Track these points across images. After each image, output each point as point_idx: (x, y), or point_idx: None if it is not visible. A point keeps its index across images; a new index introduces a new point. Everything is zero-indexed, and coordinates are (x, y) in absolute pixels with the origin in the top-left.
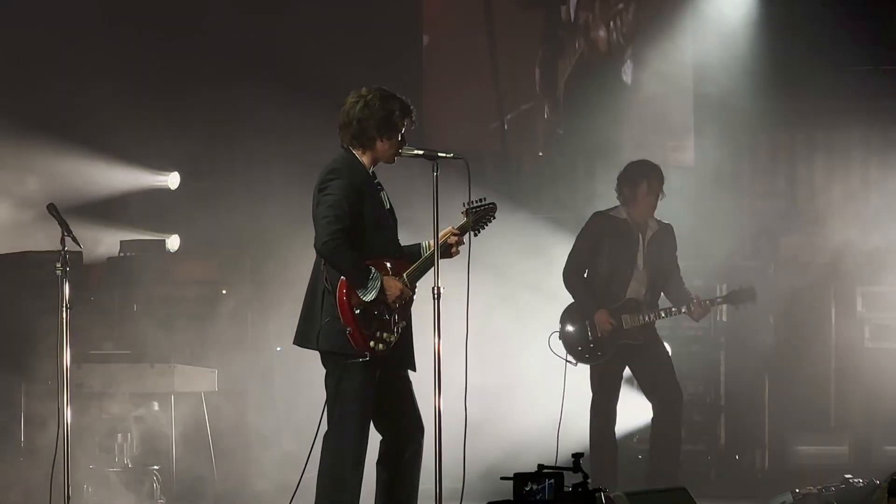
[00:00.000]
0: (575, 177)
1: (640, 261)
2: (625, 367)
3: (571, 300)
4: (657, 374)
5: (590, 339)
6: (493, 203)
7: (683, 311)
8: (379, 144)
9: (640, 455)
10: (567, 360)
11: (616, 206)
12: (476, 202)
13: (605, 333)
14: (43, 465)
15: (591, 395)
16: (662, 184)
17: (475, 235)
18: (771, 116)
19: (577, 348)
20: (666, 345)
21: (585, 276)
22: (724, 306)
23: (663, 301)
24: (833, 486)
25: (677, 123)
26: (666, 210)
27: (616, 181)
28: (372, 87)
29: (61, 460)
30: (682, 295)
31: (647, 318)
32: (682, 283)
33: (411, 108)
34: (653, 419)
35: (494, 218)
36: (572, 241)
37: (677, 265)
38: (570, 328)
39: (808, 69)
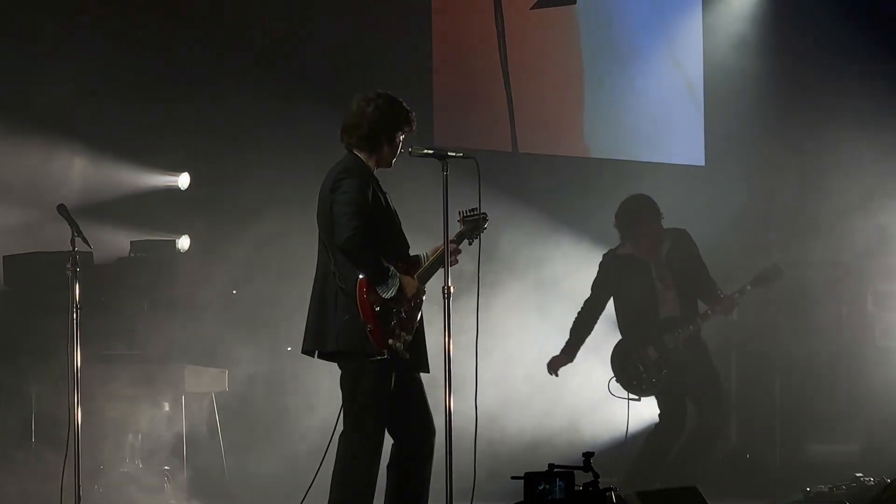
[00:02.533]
0: (583, 176)
1: (658, 286)
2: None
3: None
4: (703, 387)
5: (641, 370)
6: (484, 213)
7: (710, 312)
8: (384, 148)
9: None
10: (630, 399)
11: (622, 243)
12: (469, 212)
13: (654, 360)
14: (54, 465)
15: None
16: (659, 215)
17: (469, 244)
18: (781, 115)
19: (633, 383)
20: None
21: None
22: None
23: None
24: (844, 485)
25: (687, 123)
26: (676, 210)
27: (614, 219)
28: (379, 91)
29: (72, 460)
30: (715, 295)
31: (686, 331)
32: (713, 282)
33: (412, 116)
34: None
35: (486, 228)
36: (582, 240)
37: (704, 266)
38: (620, 367)
39: (820, 68)
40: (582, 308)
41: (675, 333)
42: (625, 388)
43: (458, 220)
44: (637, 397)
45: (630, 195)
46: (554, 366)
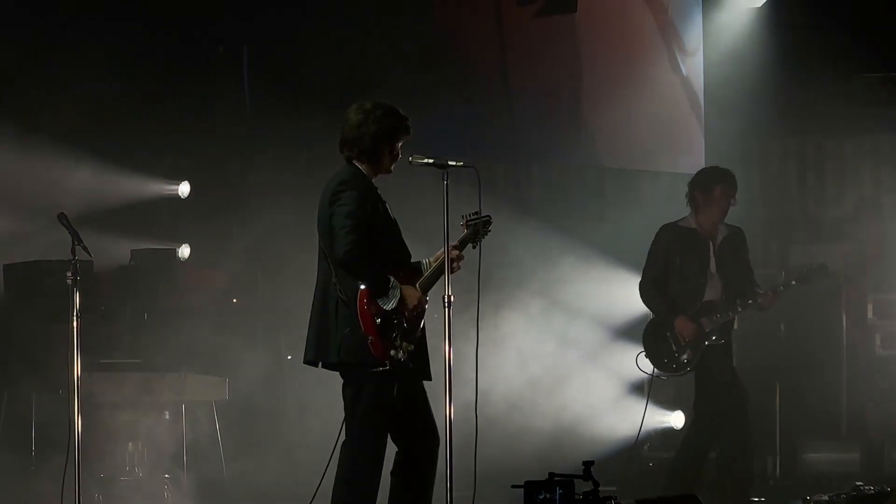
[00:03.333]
0: (585, 184)
1: (711, 267)
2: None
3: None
4: (732, 373)
5: (674, 349)
6: (487, 215)
7: (751, 302)
8: (383, 159)
9: (651, 463)
10: (654, 376)
11: (684, 217)
12: (472, 215)
13: (689, 338)
14: (54, 474)
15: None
16: (735, 190)
17: (473, 248)
18: (781, 123)
19: (664, 360)
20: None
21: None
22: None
23: None
24: (844, 494)
25: (687, 131)
26: (675, 216)
27: (687, 187)
28: (376, 102)
29: (72, 469)
30: (755, 297)
31: (724, 317)
32: (756, 284)
33: (409, 124)
34: (715, 424)
35: (490, 230)
36: (583, 250)
37: (750, 268)
38: (653, 343)
39: (819, 76)
40: (646, 285)
41: (713, 318)
42: (654, 363)
43: (461, 224)
44: (664, 375)
45: (712, 166)
46: (688, 330)
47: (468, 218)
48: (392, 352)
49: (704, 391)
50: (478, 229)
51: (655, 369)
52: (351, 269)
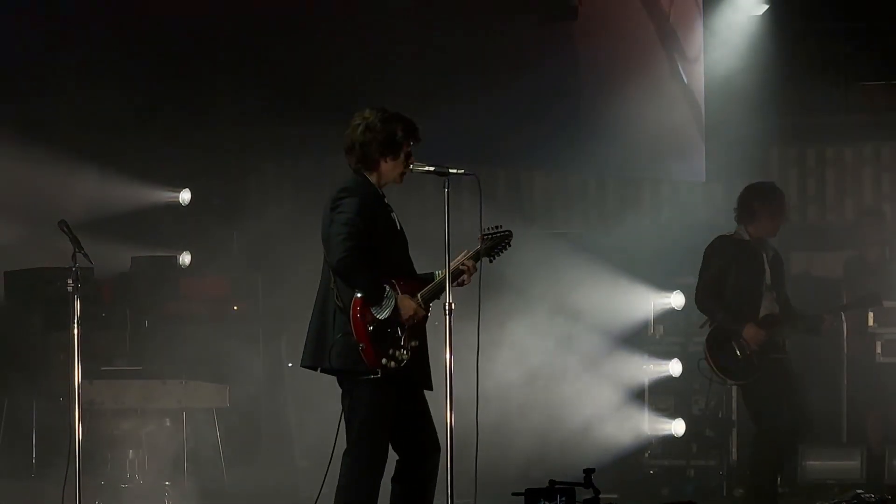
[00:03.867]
0: (586, 192)
1: (767, 278)
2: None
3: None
4: (795, 391)
5: (739, 357)
6: (508, 230)
7: (812, 326)
8: (384, 165)
9: (652, 471)
10: (715, 380)
11: (736, 230)
12: (492, 228)
13: (758, 346)
14: (55, 481)
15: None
16: (785, 206)
17: (490, 262)
18: (781, 131)
19: (728, 367)
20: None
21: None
22: None
23: None
24: (845, 502)
25: (688, 139)
26: (677, 226)
27: (741, 199)
28: (374, 108)
29: (73, 476)
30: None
31: (788, 334)
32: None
33: (416, 126)
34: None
35: (510, 245)
36: (583, 257)
37: (787, 295)
38: (717, 350)
39: (819, 84)
40: (704, 296)
41: (777, 331)
42: (716, 369)
43: (479, 237)
44: (723, 381)
45: (760, 181)
46: (759, 338)
47: (486, 231)
48: (384, 360)
49: (766, 404)
50: (496, 243)
51: (717, 375)
52: (344, 275)
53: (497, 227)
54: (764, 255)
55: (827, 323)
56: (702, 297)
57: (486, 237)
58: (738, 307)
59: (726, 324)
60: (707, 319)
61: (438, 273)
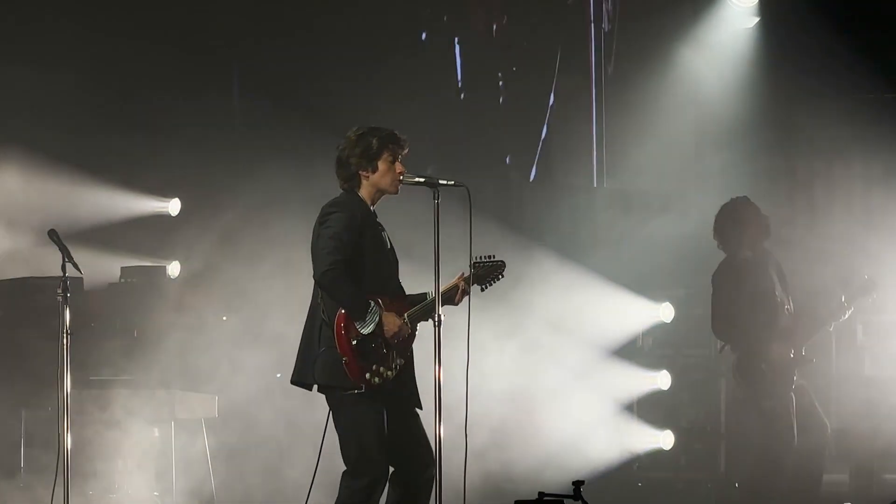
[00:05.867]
0: (577, 203)
1: (777, 289)
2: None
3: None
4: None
5: (768, 379)
6: (501, 261)
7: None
8: (369, 178)
9: (640, 483)
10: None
11: (731, 253)
12: (485, 258)
13: (784, 364)
14: (43, 491)
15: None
16: (756, 213)
17: (482, 291)
18: (771, 143)
19: (762, 392)
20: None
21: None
22: None
23: None
24: None
25: (677, 148)
26: (667, 235)
27: (716, 226)
28: (358, 127)
29: (61, 486)
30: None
31: (810, 336)
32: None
33: (395, 135)
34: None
35: (503, 276)
36: (574, 268)
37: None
38: (749, 376)
39: (809, 96)
40: (721, 326)
41: (798, 339)
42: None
43: (470, 265)
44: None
45: (726, 202)
46: (784, 355)
47: (479, 260)
48: (368, 375)
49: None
50: (489, 273)
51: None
52: (327, 289)
53: (490, 257)
54: (767, 266)
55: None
56: (720, 327)
57: (478, 265)
58: (761, 325)
59: (753, 347)
60: (724, 344)
61: (430, 294)
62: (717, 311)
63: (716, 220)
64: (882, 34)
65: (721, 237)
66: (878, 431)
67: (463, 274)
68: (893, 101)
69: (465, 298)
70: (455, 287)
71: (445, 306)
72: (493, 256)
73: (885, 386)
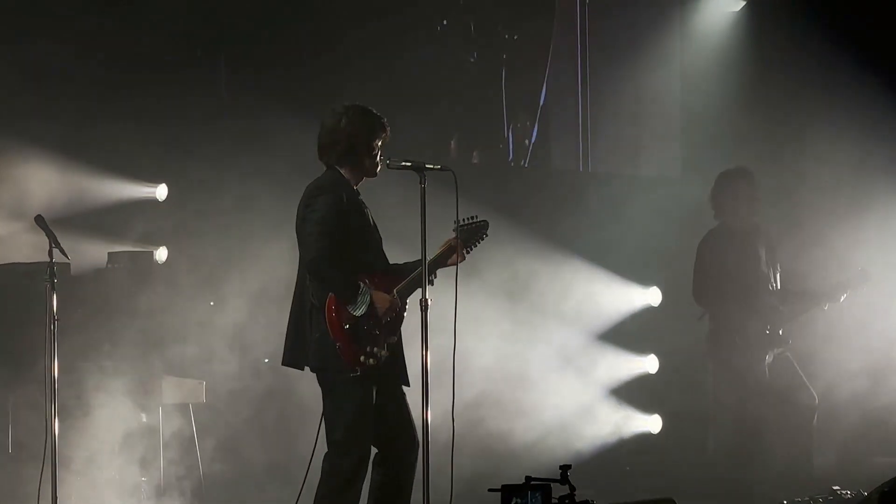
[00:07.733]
0: (564, 187)
1: (762, 264)
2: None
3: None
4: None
5: (740, 352)
6: (484, 220)
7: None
8: (363, 161)
9: (628, 466)
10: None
11: (717, 225)
12: (467, 219)
13: (759, 340)
14: (31, 477)
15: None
16: (755, 186)
17: (467, 253)
18: (758, 127)
19: (733, 363)
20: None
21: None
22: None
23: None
24: (821, 498)
25: (664, 137)
26: (656, 227)
27: (712, 193)
28: (347, 105)
29: (49, 472)
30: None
31: (793, 317)
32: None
33: (385, 122)
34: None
35: (487, 236)
36: (562, 252)
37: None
38: (724, 348)
39: (799, 84)
40: (700, 293)
41: (789, 307)
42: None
43: (453, 229)
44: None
45: (727, 169)
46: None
47: (462, 222)
48: (363, 358)
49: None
50: (472, 234)
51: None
52: (315, 275)
53: (472, 218)
54: (756, 240)
55: (825, 301)
56: (700, 292)
57: (462, 227)
58: (745, 295)
59: (730, 321)
60: (704, 312)
61: (417, 266)
62: (697, 278)
63: (713, 188)
64: (873, 25)
65: (714, 204)
66: (864, 414)
67: (449, 241)
68: (884, 95)
69: (447, 270)
70: (442, 254)
71: (445, 268)
72: (476, 217)
73: (875, 372)
